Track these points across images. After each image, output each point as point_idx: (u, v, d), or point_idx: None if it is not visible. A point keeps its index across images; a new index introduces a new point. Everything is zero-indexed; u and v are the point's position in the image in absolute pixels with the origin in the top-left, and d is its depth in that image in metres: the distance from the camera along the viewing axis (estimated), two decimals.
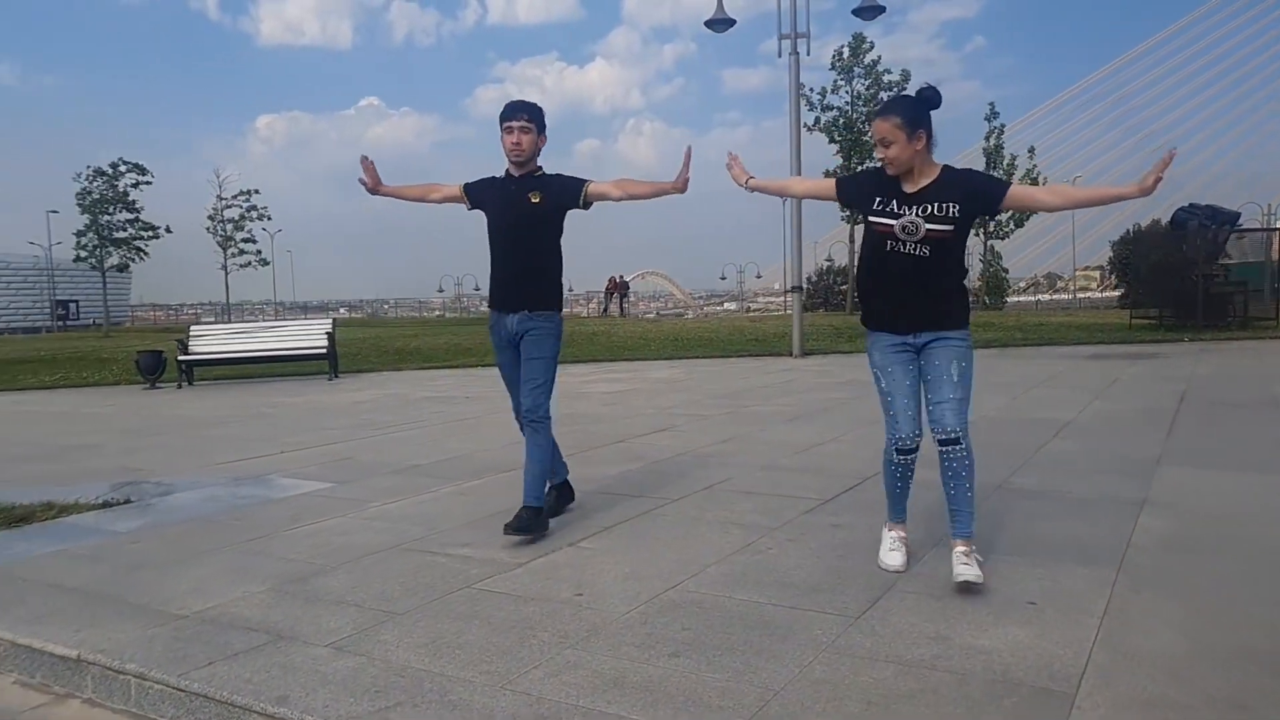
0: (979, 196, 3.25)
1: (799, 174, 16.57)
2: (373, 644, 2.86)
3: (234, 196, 34.73)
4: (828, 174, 30.19)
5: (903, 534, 3.56)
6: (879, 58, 31.65)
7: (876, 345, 3.41)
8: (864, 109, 31.41)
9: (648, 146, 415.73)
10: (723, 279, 72.99)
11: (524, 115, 4.09)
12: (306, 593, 3.37)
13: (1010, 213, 28.33)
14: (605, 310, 42.37)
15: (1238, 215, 18.41)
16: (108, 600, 3.34)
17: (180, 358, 12.95)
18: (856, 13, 16.70)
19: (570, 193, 4.14)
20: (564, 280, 4.42)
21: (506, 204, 4.13)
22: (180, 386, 12.84)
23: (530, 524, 3.97)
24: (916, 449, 3.40)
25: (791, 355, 15.47)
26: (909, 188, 3.26)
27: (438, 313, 65.01)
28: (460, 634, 2.93)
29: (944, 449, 3.29)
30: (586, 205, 4.16)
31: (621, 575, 3.50)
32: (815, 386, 10.56)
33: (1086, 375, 10.54)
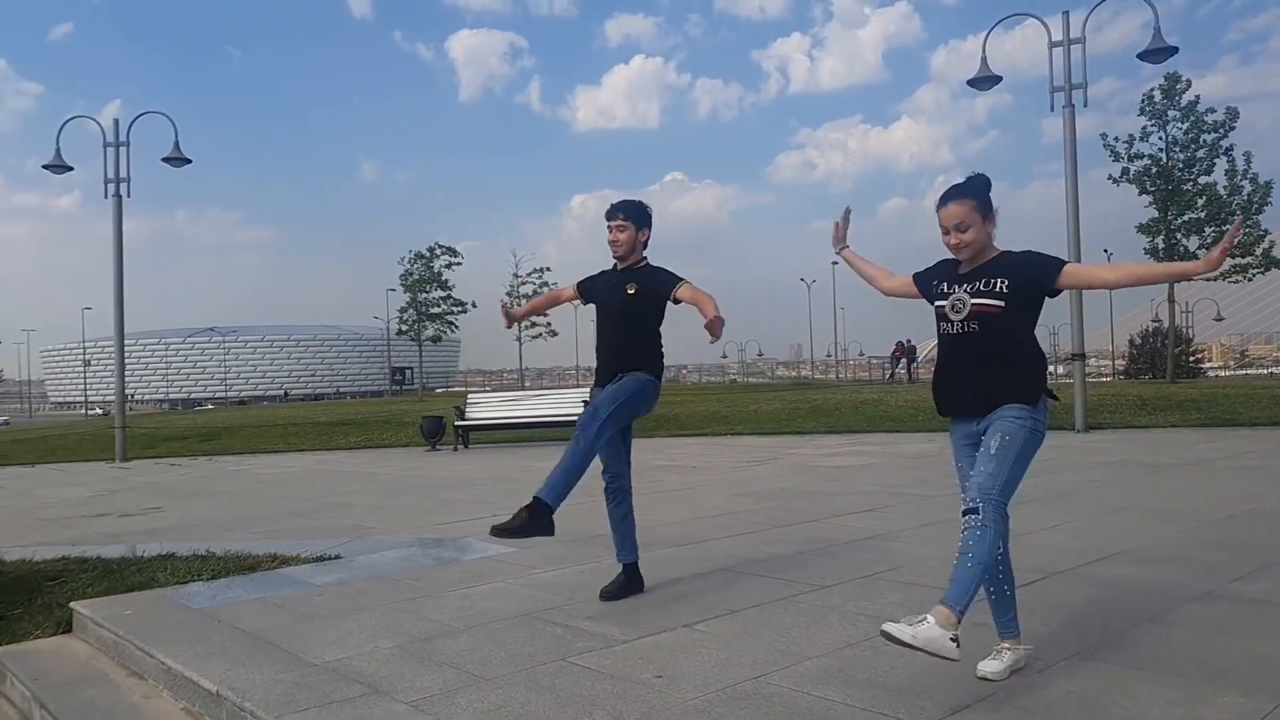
0: (1031, 276, 3.14)
1: (1077, 233, 15.37)
2: (447, 706, 3.08)
3: (528, 274, 38.11)
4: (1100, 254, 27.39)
5: (1007, 643, 3.24)
6: (1197, 97, 28.46)
7: (951, 433, 3.35)
8: (1180, 155, 28.29)
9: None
10: None
11: (620, 215, 4.45)
12: (424, 652, 3.68)
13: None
14: (891, 376, 41.07)
15: None
16: (266, 645, 3.85)
17: (457, 423, 14.35)
18: (1142, 56, 15.36)
19: (664, 287, 4.39)
20: (663, 354, 4.55)
21: (609, 293, 4.50)
22: (456, 449, 14.20)
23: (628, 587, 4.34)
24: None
25: (1073, 430, 14.21)
26: (965, 269, 3.25)
27: (732, 377, 66.32)
28: (526, 704, 3.07)
29: (963, 519, 3.05)
30: (676, 302, 4.39)
31: (715, 661, 3.48)
32: (1076, 466, 9.66)
33: None
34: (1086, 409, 14.62)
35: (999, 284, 3.13)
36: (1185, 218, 28.09)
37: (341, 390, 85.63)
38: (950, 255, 3.30)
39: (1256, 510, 6.49)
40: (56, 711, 3.67)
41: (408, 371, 70.71)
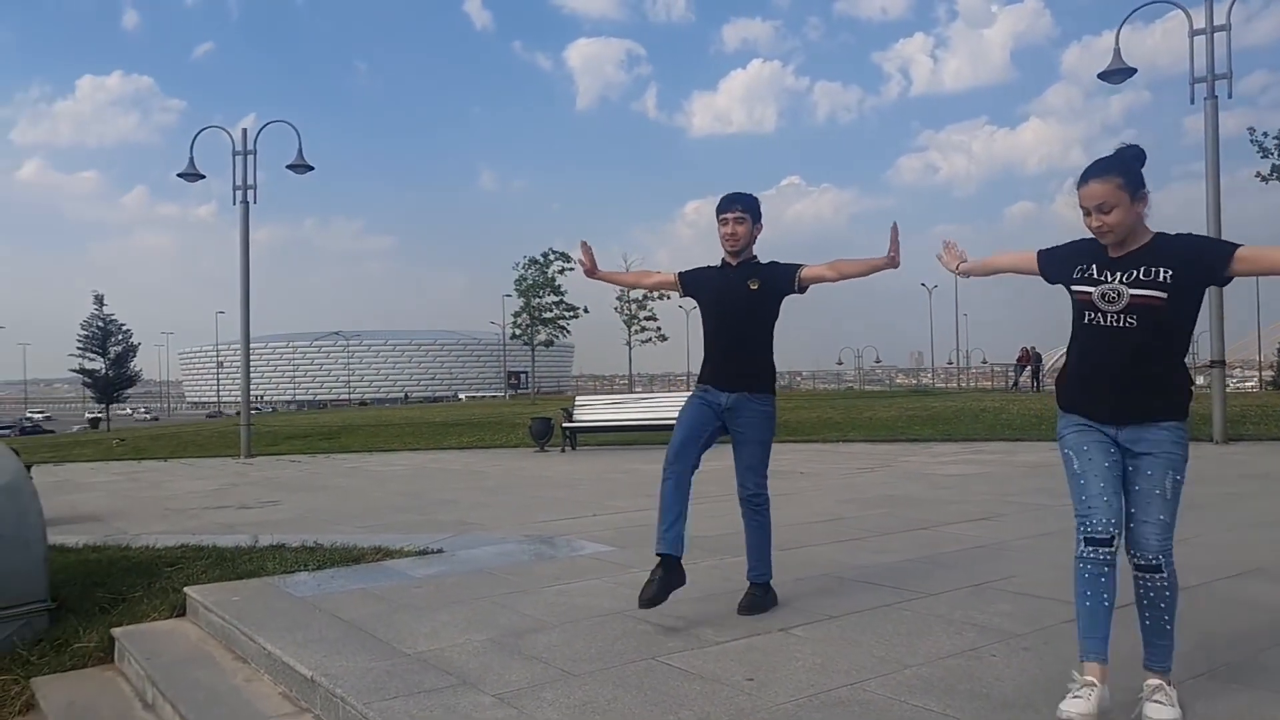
0: (1199, 262, 2.77)
1: (1219, 234, 14.40)
2: (532, 700, 3.04)
3: None
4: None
5: (1097, 676, 2.82)
6: None
7: (1069, 425, 2.96)
8: None
9: None
10: None
11: (739, 207, 4.21)
12: (515, 646, 3.66)
13: None
14: (1015, 384, 39.58)
15: None
16: (363, 634, 3.90)
17: (564, 425, 14.48)
18: None
19: (785, 278, 4.18)
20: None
21: (726, 290, 4.24)
22: (563, 450, 14.33)
23: (759, 602, 4.13)
24: (1112, 543, 2.85)
25: (1212, 441, 13.33)
26: (1115, 253, 2.86)
27: (850, 384, 65.14)
28: (612, 701, 3.01)
29: (1143, 576, 2.83)
30: (802, 290, 4.17)
31: (809, 666, 3.34)
32: (1213, 478, 9.03)
33: None
34: (1226, 419, 13.69)
35: (1161, 273, 2.76)
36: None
37: (459, 393, 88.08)
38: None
39: None
40: (166, 690, 3.81)
41: (522, 375, 72.16)
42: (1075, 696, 2.76)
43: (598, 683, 3.20)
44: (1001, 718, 2.81)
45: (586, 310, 37.57)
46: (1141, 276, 2.77)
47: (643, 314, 37.83)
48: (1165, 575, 2.81)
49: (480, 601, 4.43)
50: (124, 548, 6.35)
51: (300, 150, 17.63)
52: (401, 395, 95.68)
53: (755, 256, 4.30)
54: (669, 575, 3.95)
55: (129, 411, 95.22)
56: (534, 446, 14.92)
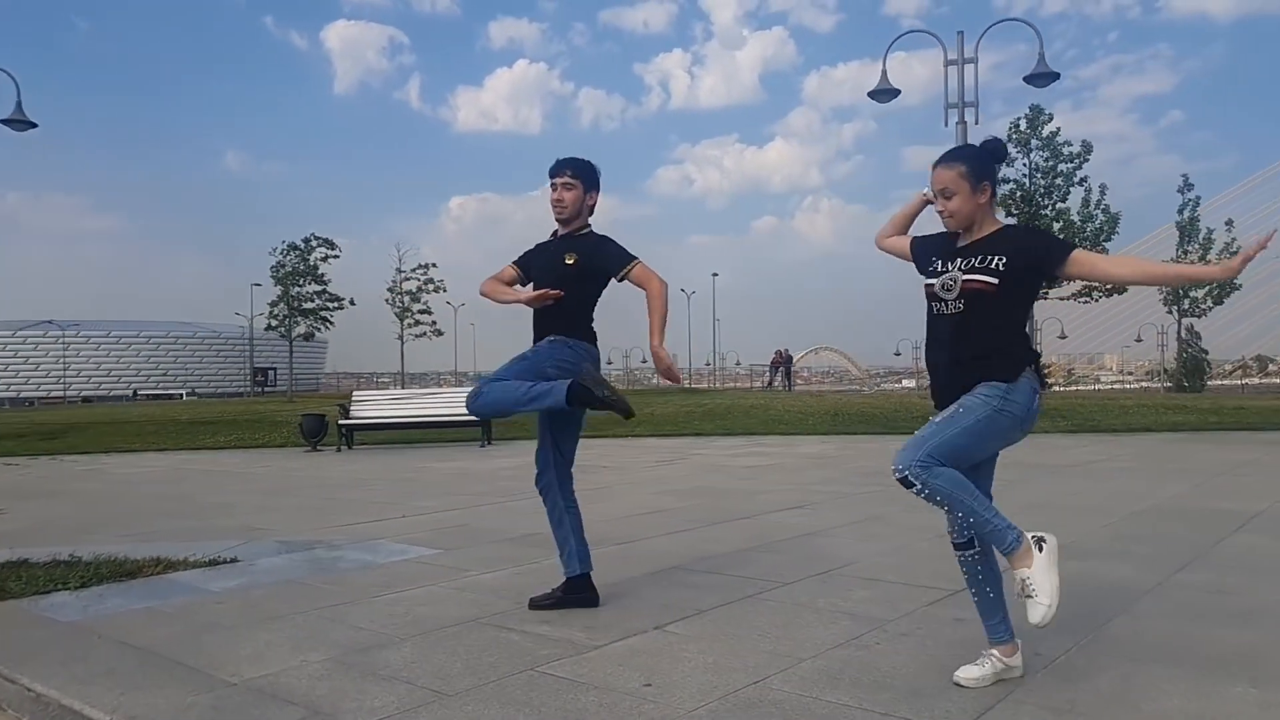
0: (1031, 252, 2.84)
1: None
2: None
3: (412, 270, 36.57)
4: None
5: (1001, 652, 2.94)
6: (1058, 129, 30.10)
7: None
8: (1042, 182, 29.91)
9: (824, 222, 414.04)
10: (897, 354, 70.56)
11: (568, 171, 3.87)
12: (364, 665, 3.17)
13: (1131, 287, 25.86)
14: (770, 384, 41.82)
15: None
16: (167, 662, 3.24)
17: (341, 422, 13.48)
18: (1029, 79, 15.94)
19: (612, 262, 3.85)
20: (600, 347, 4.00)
21: (547, 266, 3.91)
22: (339, 450, 13.33)
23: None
24: (971, 545, 2.95)
25: None
26: (961, 242, 2.93)
27: (616, 384, 65.84)
28: None
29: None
30: (621, 280, 3.88)
31: (703, 666, 3.11)
32: None
33: None
34: None
35: (995, 261, 2.80)
36: None
37: (196, 391, 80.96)
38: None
39: (1154, 507, 6.65)
40: None
41: (270, 372, 67.25)
42: (973, 664, 2.91)
43: (480, 703, 2.79)
44: (919, 708, 2.71)
45: (353, 302, 35.28)
46: (977, 264, 2.81)
47: (416, 306, 36.25)
48: (919, 489, 2.72)
49: (303, 616, 3.85)
50: None
51: (19, 102, 15.30)
52: (129, 393, 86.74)
53: (589, 227, 3.96)
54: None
55: None
56: (305, 446, 13.77)
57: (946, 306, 2.87)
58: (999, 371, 2.80)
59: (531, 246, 4.08)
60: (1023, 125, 30.27)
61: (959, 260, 2.88)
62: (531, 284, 4.00)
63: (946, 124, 15.62)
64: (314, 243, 34.76)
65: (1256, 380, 57.86)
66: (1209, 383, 40.91)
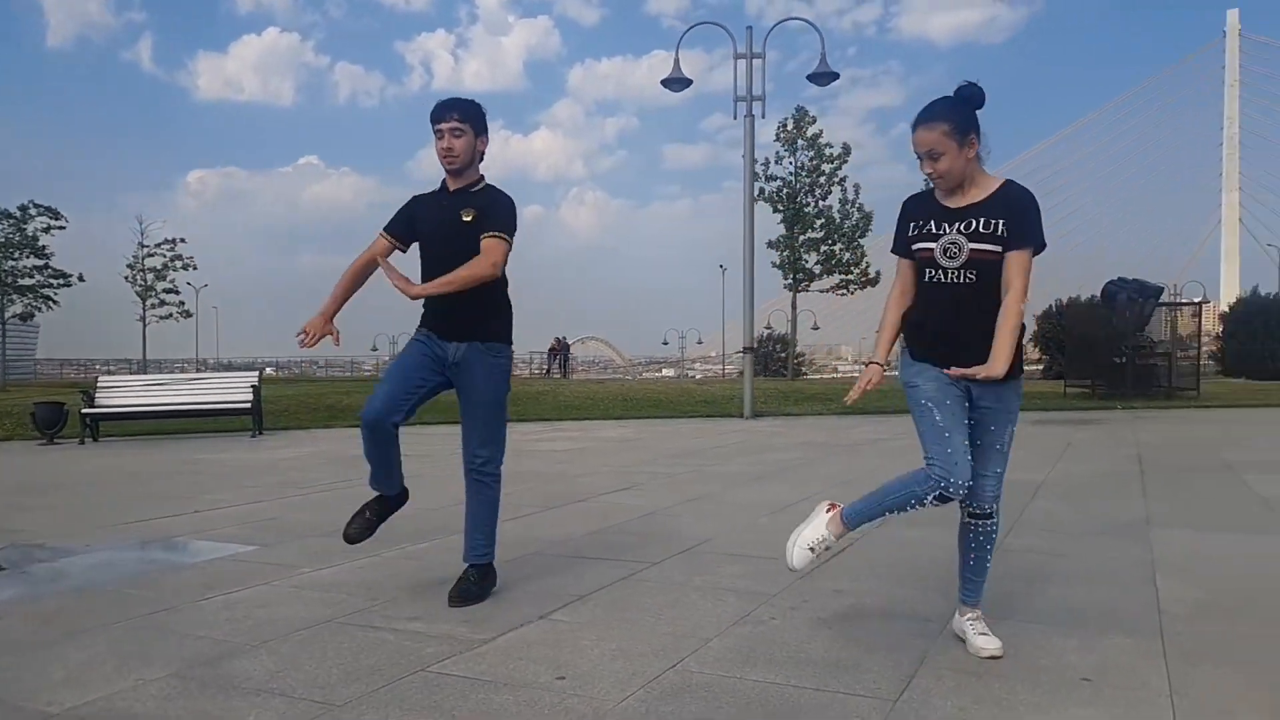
0: (1022, 224, 2.66)
1: (752, 234, 16.44)
2: None
3: (157, 245, 33.17)
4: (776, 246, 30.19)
5: (972, 610, 3.01)
6: (821, 131, 32.04)
7: (924, 374, 2.77)
8: (807, 180, 31.73)
9: (589, 215, 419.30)
10: (665, 344, 72.91)
11: (454, 115, 3.43)
12: (219, 679, 2.70)
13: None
14: (548, 371, 41.77)
15: (1161, 289, 18.94)
16: None
17: (84, 411, 11.91)
18: (811, 78, 16.73)
19: (496, 224, 3.46)
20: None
21: (440, 222, 3.50)
22: (83, 442, 11.78)
23: (473, 591, 3.58)
24: (989, 514, 2.92)
25: (743, 417, 15.07)
26: (952, 203, 2.74)
27: (369, 372, 63.34)
28: None
29: (976, 522, 2.90)
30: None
31: (608, 653, 2.91)
32: (772, 447, 10.15)
33: (1041, 439, 10.37)
34: (754, 399, 15.67)
35: (998, 226, 2.64)
36: (806, 236, 31.52)
37: None
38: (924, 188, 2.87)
39: None
40: None
41: None
42: (982, 634, 2.90)
43: (377, 709, 2.44)
44: (848, 680, 2.66)
45: (82, 278, 31.11)
46: (981, 229, 2.66)
47: (161, 285, 32.75)
48: (995, 521, 2.89)
49: (117, 627, 3.25)
50: None
51: None
52: None
53: (482, 179, 3.57)
54: (384, 508, 3.78)
55: None
56: (39, 439, 12.05)
57: (948, 275, 2.70)
58: (1020, 362, 2.77)
59: (406, 201, 3.65)
60: (790, 126, 32.02)
61: (958, 224, 2.69)
62: (419, 243, 3.59)
63: (736, 117, 16.17)
64: (34, 211, 30.44)
65: None
66: None
